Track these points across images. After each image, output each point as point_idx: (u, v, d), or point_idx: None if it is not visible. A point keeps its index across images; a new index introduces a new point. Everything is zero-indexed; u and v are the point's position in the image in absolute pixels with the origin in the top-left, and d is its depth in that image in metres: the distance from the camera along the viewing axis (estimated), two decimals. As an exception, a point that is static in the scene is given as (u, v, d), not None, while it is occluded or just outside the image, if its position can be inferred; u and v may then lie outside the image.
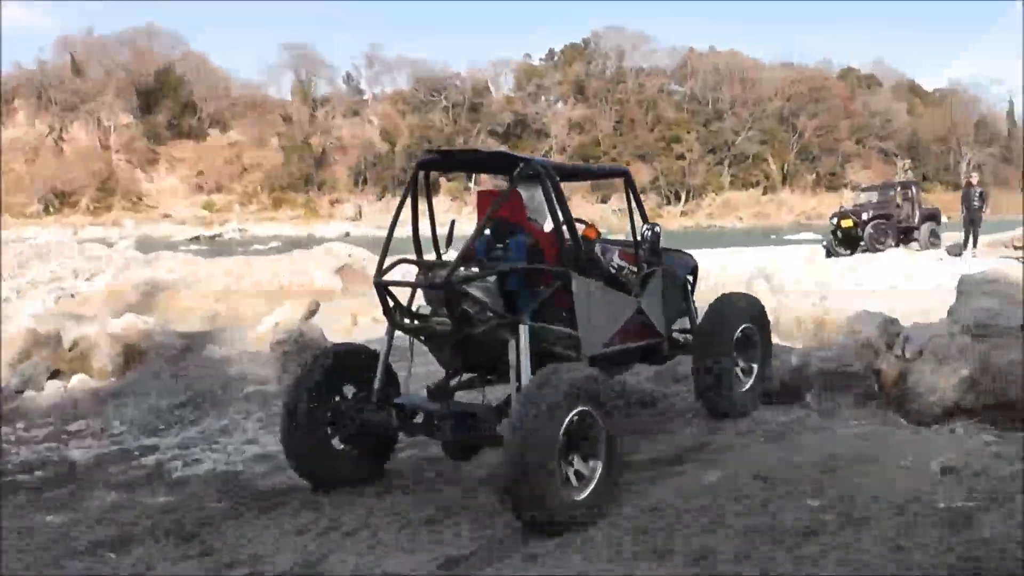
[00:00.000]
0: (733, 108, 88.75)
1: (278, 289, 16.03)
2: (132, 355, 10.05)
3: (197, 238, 60.50)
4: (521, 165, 5.47)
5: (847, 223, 24.94)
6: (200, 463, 6.59)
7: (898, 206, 25.51)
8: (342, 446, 5.74)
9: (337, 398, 5.73)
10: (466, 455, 5.69)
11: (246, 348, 10.70)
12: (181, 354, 10.71)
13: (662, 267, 6.52)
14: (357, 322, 14.11)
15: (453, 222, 5.96)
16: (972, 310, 7.22)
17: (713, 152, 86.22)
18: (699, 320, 6.97)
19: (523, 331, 5.16)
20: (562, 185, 5.59)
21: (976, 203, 21.22)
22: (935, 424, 6.62)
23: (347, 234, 55.71)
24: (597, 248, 6.19)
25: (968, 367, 6.56)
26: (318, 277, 16.56)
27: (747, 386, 7.08)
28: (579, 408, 4.79)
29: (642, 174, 74.43)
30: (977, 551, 4.43)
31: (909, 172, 57.35)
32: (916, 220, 25.20)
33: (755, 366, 7.16)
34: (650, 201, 75.48)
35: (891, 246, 23.28)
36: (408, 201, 5.69)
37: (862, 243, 24.07)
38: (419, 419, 5.67)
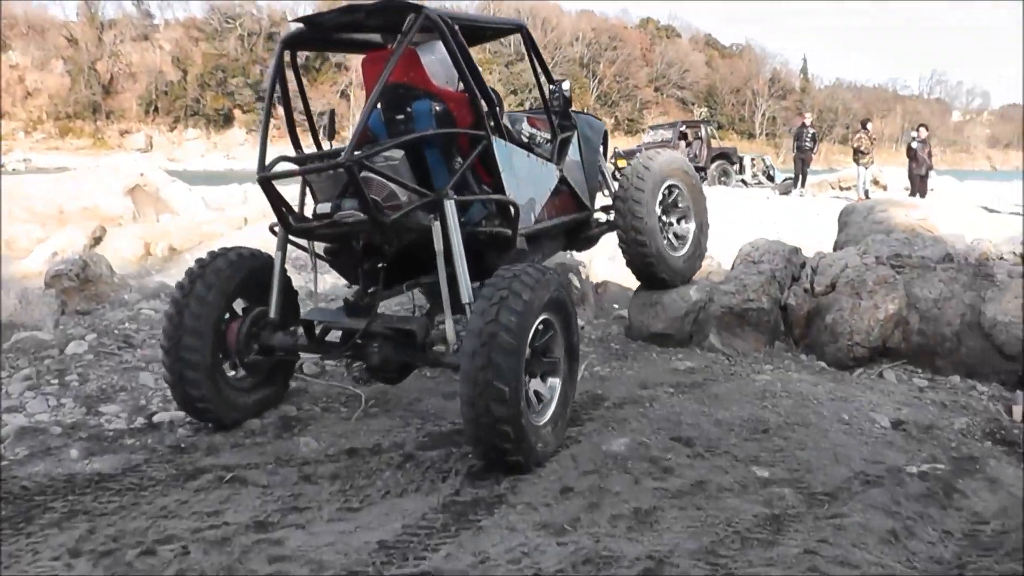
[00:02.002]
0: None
1: (57, 213, 13.52)
2: None
3: (-23, 169, 53.95)
4: (412, 16, 4.44)
5: (622, 163, 24.88)
6: (-53, 446, 4.68)
7: (688, 144, 25.58)
8: (235, 373, 4.83)
9: (227, 315, 4.76)
10: (397, 377, 4.90)
11: (15, 284, 8.53)
12: (-71, 293, 8.49)
13: (577, 132, 5.66)
14: (151, 251, 12.05)
15: (332, 111, 5.25)
16: (881, 240, 6.33)
17: (515, 93, 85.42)
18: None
19: (449, 207, 4.32)
20: None
21: (808, 143, 21.12)
22: (858, 368, 5.69)
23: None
24: (504, 118, 5.09)
25: (895, 303, 5.63)
26: (104, 199, 14.04)
27: (683, 251, 6.28)
28: (542, 317, 4.06)
29: None
30: (980, 533, 3.60)
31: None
32: (705, 159, 25.25)
33: (690, 228, 6.33)
34: None
35: None
36: (277, 88, 4.82)
37: None
38: (332, 337, 4.90)
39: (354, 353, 4.70)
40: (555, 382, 4.31)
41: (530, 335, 3.93)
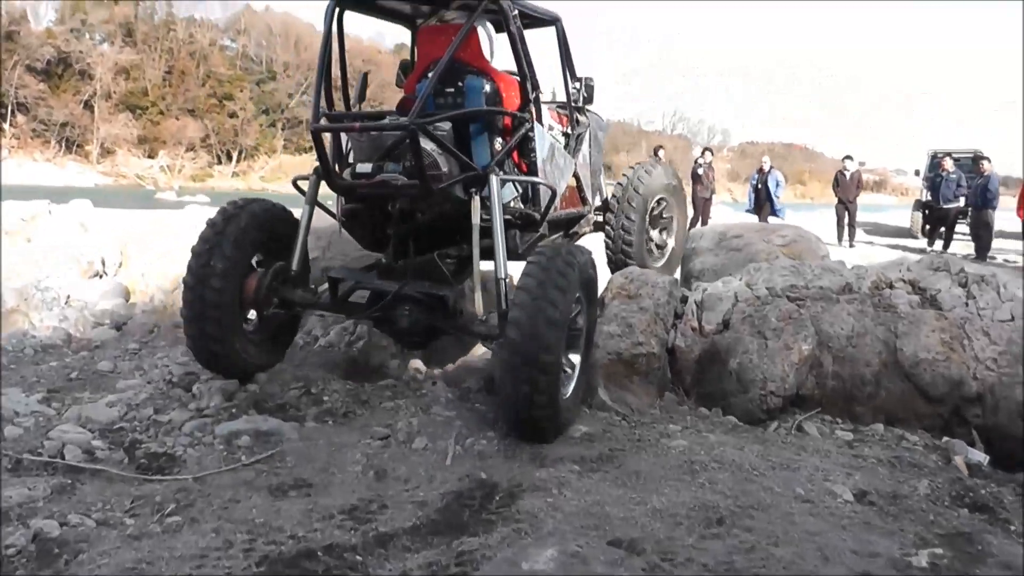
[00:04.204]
0: (287, 71, 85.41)
1: None
2: None
3: None
4: None
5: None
6: None
7: None
8: (248, 326, 4.97)
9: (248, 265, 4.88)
10: (424, 342, 5.08)
11: None
12: None
13: (588, 128, 5.95)
14: None
15: (365, 75, 5.68)
16: (767, 269, 5.55)
17: (267, 113, 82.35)
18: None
19: (495, 183, 4.43)
20: None
21: None
22: (772, 421, 4.82)
23: None
24: None
25: (808, 342, 4.82)
26: None
27: (662, 262, 6.74)
28: (576, 294, 4.25)
29: (191, 130, 70.05)
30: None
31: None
32: None
33: (670, 242, 6.90)
34: (201, 159, 72.03)
35: None
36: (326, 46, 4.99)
37: None
38: (356, 299, 5.02)
39: (381, 315, 4.73)
40: (577, 356, 4.50)
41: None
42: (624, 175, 6.45)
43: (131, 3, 78.43)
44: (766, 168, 17.37)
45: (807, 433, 4.71)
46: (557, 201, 5.17)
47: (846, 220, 17.45)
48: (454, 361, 6.08)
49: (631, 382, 4.92)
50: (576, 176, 5.66)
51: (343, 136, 4.96)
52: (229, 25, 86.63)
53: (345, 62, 5.47)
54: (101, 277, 8.87)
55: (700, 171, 17.65)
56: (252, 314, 5.02)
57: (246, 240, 4.69)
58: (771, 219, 16.22)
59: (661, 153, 18.74)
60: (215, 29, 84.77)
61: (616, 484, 3.84)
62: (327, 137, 4.84)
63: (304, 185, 4.97)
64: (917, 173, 20.91)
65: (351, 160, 4.88)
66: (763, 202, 16.98)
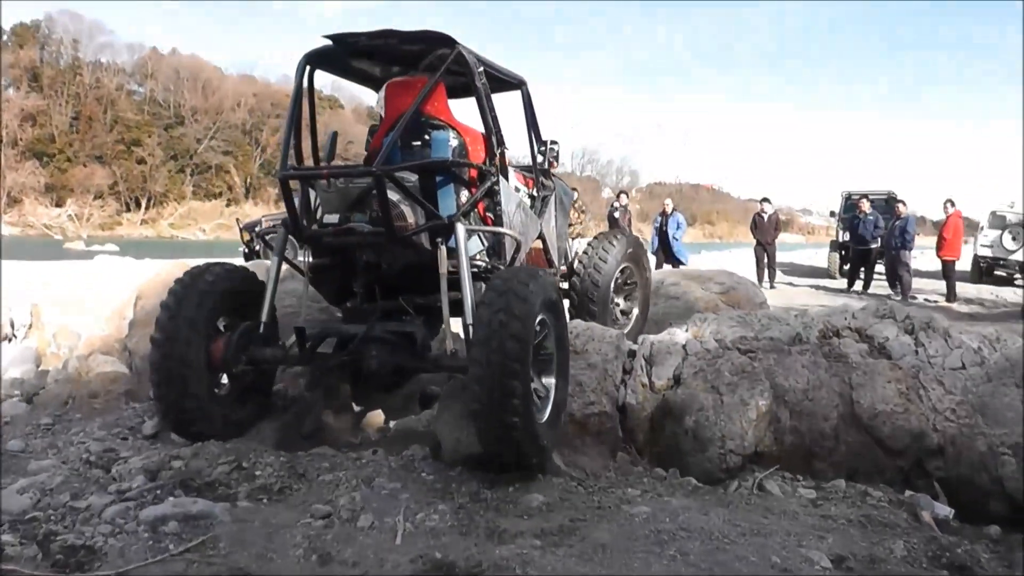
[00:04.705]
0: (195, 115, 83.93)
1: None
2: None
3: None
4: (446, 51, 4.83)
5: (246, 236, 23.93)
6: None
7: None
8: (220, 388, 4.95)
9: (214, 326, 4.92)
10: (395, 384, 5.13)
11: None
12: None
13: (554, 192, 6.08)
14: None
15: (335, 134, 5.77)
16: (714, 319, 5.42)
17: (175, 159, 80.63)
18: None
19: (460, 231, 4.51)
20: None
21: None
22: (732, 481, 4.64)
23: None
24: None
25: (765, 396, 4.67)
26: None
27: (627, 328, 6.68)
28: (540, 317, 4.21)
29: (99, 177, 68.81)
30: None
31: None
32: None
33: (634, 309, 6.93)
34: (109, 207, 70.22)
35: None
36: (295, 101, 5.11)
37: None
38: (325, 348, 5.03)
39: (350, 359, 4.71)
40: (550, 380, 4.45)
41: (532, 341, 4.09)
42: (590, 243, 6.66)
43: (37, 48, 76.32)
44: (668, 210, 17.30)
45: (769, 492, 4.54)
46: (522, 256, 5.20)
47: (765, 261, 17.71)
48: (392, 426, 5.76)
49: (583, 443, 4.70)
50: (542, 238, 5.77)
51: (311, 191, 4.95)
52: (136, 69, 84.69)
53: (315, 118, 5.49)
54: (10, 341, 8.29)
55: (616, 215, 17.62)
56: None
57: (207, 305, 4.74)
58: (670, 264, 16.23)
59: (575, 195, 18.67)
60: (122, 73, 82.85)
61: (582, 560, 3.58)
62: (295, 192, 4.95)
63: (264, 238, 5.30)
64: (833, 214, 21.43)
65: (319, 214, 4.90)
66: (667, 244, 16.91)
